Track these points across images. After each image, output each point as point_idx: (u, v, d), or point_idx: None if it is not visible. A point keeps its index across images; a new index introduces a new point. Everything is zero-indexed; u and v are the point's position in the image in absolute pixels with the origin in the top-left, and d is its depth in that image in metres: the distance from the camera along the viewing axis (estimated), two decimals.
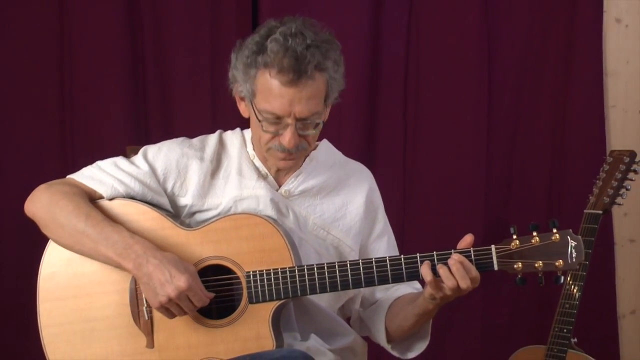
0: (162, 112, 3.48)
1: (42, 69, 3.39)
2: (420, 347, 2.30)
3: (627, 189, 3.00)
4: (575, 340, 2.96)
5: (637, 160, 3.02)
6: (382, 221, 2.36)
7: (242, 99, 2.21)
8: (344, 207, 2.30)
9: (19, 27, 3.36)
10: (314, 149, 2.31)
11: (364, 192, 2.32)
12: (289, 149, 2.15)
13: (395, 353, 2.32)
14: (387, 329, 2.28)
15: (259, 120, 2.14)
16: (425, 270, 2.04)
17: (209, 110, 3.49)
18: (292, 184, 2.27)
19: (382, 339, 2.30)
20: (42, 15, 3.38)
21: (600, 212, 2.98)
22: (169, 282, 2.04)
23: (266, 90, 2.10)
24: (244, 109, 2.23)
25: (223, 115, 3.46)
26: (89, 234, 2.10)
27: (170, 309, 2.07)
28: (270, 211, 2.22)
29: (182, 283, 2.03)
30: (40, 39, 3.38)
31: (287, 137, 2.13)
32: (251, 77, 2.12)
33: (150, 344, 2.13)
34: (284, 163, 2.21)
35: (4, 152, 3.37)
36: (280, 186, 2.27)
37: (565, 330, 2.94)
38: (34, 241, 2.26)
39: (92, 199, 2.19)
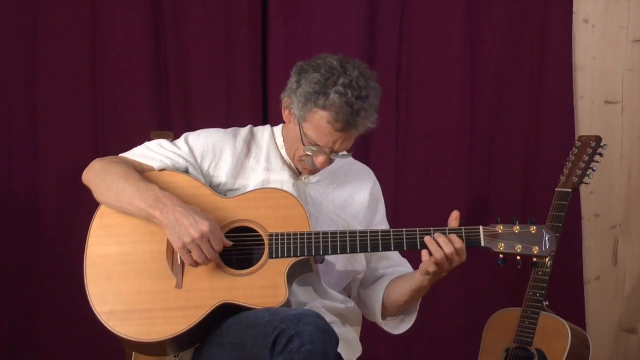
0: (181, 101, 3.46)
1: (77, 65, 3.39)
2: (409, 321, 2.39)
3: (593, 170, 3.03)
4: (547, 303, 3.01)
5: (602, 144, 3.05)
6: (381, 212, 2.45)
7: (290, 112, 2.29)
8: (351, 197, 2.39)
9: (57, 27, 3.36)
10: None
11: (368, 187, 2.43)
12: (319, 168, 2.28)
13: (387, 329, 2.41)
14: (384, 303, 2.35)
15: (302, 142, 2.26)
16: (426, 238, 2.15)
17: (223, 99, 3.48)
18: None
19: (377, 315, 2.37)
20: (77, 16, 3.38)
21: (570, 190, 3.01)
22: (193, 226, 2.11)
23: (317, 126, 2.22)
24: (287, 115, 2.32)
25: (236, 103, 3.48)
26: (127, 191, 2.18)
27: (192, 250, 2.13)
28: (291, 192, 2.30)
29: (205, 227, 2.11)
30: (74, 38, 3.39)
31: (321, 160, 2.26)
32: (307, 109, 2.21)
33: (180, 284, 2.18)
34: (309, 172, 2.34)
35: (45, 137, 3.38)
36: (300, 174, 2.36)
37: (538, 295, 2.98)
38: (72, 217, 2.29)
39: (142, 171, 2.27)
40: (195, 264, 2.15)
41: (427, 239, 2.15)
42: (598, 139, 3.05)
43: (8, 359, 3.40)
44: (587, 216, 3.68)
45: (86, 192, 2.30)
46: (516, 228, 2.16)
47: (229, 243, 2.18)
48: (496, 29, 3.61)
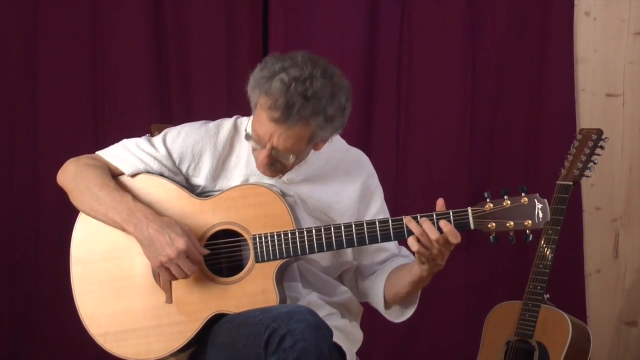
0: (182, 95, 3.47)
1: (78, 59, 3.39)
2: (410, 311, 2.31)
3: (594, 163, 3.02)
4: (548, 296, 2.99)
5: (603, 137, 3.04)
6: (378, 202, 2.33)
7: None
8: (340, 192, 2.28)
9: (57, 21, 3.37)
10: None
11: (361, 178, 2.31)
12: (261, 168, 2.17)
13: (390, 318, 2.34)
14: (385, 296, 2.28)
15: (247, 132, 2.18)
16: (409, 222, 2.05)
17: (224, 93, 3.48)
18: (295, 173, 2.24)
19: (379, 304, 2.31)
20: (77, 10, 3.38)
21: (571, 183, 3.00)
22: (169, 244, 2.06)
23: (259, 114, 2.11)
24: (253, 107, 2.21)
25: (237, 95, 3.46)
26: (102, 201, 2.13)
27: (170, 268, 2.08)
28: None
29: (181, 245, 2.05)
30: (75, 32, 3.38)
31: (260, 156, 2.15)
32: (255, 96, 2.11)
33: (169, 299, 2.15)
34: (261, 169, 2.19)
35: (46, 132, 3.38)
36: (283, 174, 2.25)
37: (539, 288, 2.96)
38: (73, 213, 2.26)
39: (114, 174, 2.22)
40: (175, 279, 2.11)
41: (407, 219, 2.05)
42: (599, 132, 3.04)
43: (9, 356, 3.39)
44: (588, 209, 3.67)
45: None
46: (507, 202, 2.04)
47: (206, 252, 2.12)
48: (497, 22, 3.59)
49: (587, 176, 3.02)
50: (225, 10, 3.46)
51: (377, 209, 2.33)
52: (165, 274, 2.11)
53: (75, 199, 2.19)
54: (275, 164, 2.16)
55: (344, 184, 2.28)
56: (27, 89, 3.38)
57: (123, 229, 2.12)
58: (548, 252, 2.96)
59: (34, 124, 3.38)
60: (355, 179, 2.30)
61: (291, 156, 2.14)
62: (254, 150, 2.18)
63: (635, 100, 3.64)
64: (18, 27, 3.35)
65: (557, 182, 3.01)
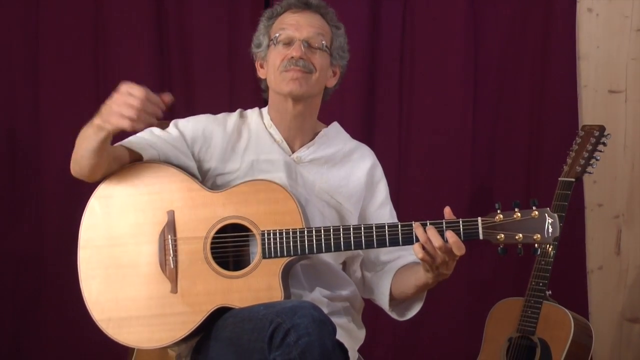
0: (184, 92, 3.46)
1: (80, 55, 3.39)
2: (416, 308, 2.33)
3: (596, 160, 3.02)
4: (550, 292, 2.99)
5: (605, 134, 3.04)
6: (383, 193, 2.39)
7: (262, 64, 2.34)
8: (346, 177, 2.34)
9: (59, 17, 3.37)
10: (326, 127, 2.37)
11: (366, 168, 2.37)
12: (296, 59, 2.24)
13: (394, 315, 2.36)
14: (392, 293, 2.31)
15: (275, 46, 2.28)
16: (417, 228, 2.06)
17: (226, 90, 3.48)
18: (304, 152, 2.32)
19: (384, 302, 2.33)
20: (79, 5, 3.38)
21: (573, 179, 3.00)
22: (111, 97, 1.97)
23: (281, 24, 2.30)
24: (263, 72, 2.35)
25: (239, 93, 3.47)
26: (81, 135, 2.08)
27: (123, 111, 1.96)
28: (282, 173, 2.26)
29: (120, 88, 1.98)
30: (77, 28, 3.39)
31: (295, 47, 2.26)
32: (271, 24, 2.32)
33: (174, 289, 2.15)
34: (293, 83, 2.25)
35: (48, 126, 3.38)
36: (293, 152, 2.32)
37: (541, 284, 2.96)
38: (77, 205, 2.26)
39: (131, 158, 2.20)
40: (136, 117, 1.99)
41: (415, 225, 2.06)
42: (602, 129, 3.04)
43: (11, 350, 3.40)
44: (590, 206, 3.66)
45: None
46: (517, 215, 2.04)
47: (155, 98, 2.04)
48: (499, 19, 3.58)
49: (590, 173, 3.02)
50: (227, 7, 3.46)
51: (382, 200, 2.38)
52: (125, 123, 1.98)
53: (75, 163, 2.13)
54: (306, 64, 2.25)
55: (350, 170, 2.36)
56: (29, 85, 3.38)
57: (96, 131, 2.02)
58: (550, 249, 2.96)
59: (37, 120, 3.38)
60: (361, 167, 2.37)
61: (320, 43, 2.27)
62: (284, 61, 2.26)
63: (638, 96, 3.63)
64: (20, 24, 3.35)
65: (559, 179, 3.01)
